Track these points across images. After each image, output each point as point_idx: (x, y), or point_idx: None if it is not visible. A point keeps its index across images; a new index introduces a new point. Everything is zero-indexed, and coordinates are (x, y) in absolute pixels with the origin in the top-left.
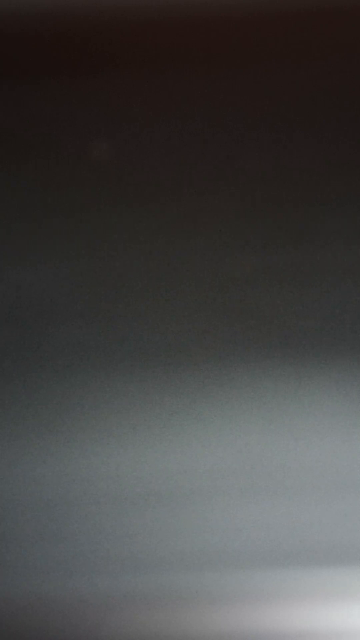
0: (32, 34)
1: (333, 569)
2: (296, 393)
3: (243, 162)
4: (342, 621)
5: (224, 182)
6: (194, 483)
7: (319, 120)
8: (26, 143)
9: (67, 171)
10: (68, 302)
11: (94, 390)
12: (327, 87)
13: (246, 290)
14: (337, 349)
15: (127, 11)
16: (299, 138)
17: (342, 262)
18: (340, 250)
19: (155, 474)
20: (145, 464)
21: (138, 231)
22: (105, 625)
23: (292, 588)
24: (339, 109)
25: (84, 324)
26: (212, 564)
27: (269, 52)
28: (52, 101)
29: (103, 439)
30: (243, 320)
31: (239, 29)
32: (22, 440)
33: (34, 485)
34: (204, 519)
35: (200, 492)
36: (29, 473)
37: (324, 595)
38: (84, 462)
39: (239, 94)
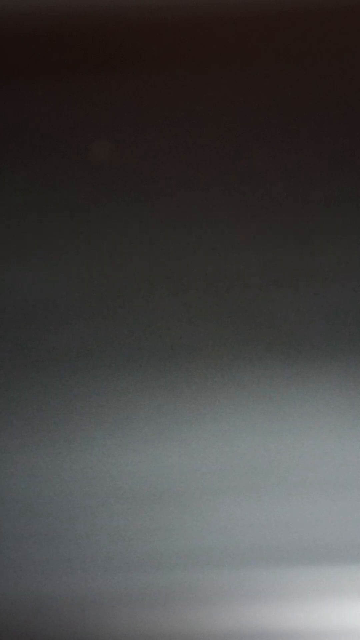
0: (32, 34)
1: (333, 568)
2: (296, 393)
3: (243, 162)
4: (341, 620)
5: (224, 182)
6: (193, 483)
7: (319, 120)
8: (26, 143)
9: (67, 171)
10: (68, 302)
11: (94, 391)
12: (327, 87)
13: (246, 290)
14: (337, 348)
15: (127, 11)
16: (299, 138)
17: (342, 262)
18: (340, 250)
19: (155, 473)
20: (145, 464)
21: (138, 231)
22: (105, 625)
23: (291, 587)
24: (339, 109)
25: (83, 324)
26: (212, 563)
27: (269, 52)
28: (52, 101)
29: (103, 439)
30: (243, 320)
31: (239, 29)
32: (22, 440)
33: (34, 485)
34: (203, 519)
35: (200, 492)
36: (29, 473)
37: (323, 594)
38: (83, 462)
39: (239, 94)
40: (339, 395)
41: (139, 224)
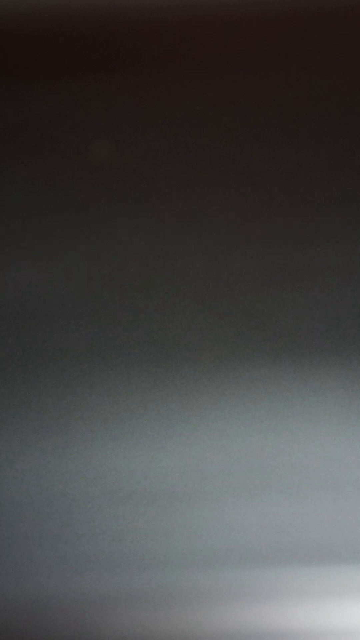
0: (32, 34)
1: (333, 568)
2: (296, 393)
3: (243, 162)
4: (341, 620)
5: (224, 182)
6: (193, 483)
7: (319, 120)
8: (26, 143)
9: (67, 171)
10: (68, 302)
11: (94, 391)
12: (327, 87)
13: (246, 290)
14: (336, 348)
15: (127, 11)
16: (299, 138)
17: (342, 262)
18: (340, 250)
19: (154, 474)
20: (144, 464)
21: (138, 231)
22: (105, 625)
23: (291, 587)
24: (339, 109)
25: (83, 324)
26: (212, 563)
27: (269, 52)
28: (52, 101)
29: (103, 439)
30: (243, 320)
31: (239, 29)
32: (23, 439)
33: (34, 485)
34: (203, 519)
35: (201, 492)
36: (29, 473)
37: (323, 594)
38: (83, 463)
39: (239, 94)
40: (340, 395)
41: (139, 224)
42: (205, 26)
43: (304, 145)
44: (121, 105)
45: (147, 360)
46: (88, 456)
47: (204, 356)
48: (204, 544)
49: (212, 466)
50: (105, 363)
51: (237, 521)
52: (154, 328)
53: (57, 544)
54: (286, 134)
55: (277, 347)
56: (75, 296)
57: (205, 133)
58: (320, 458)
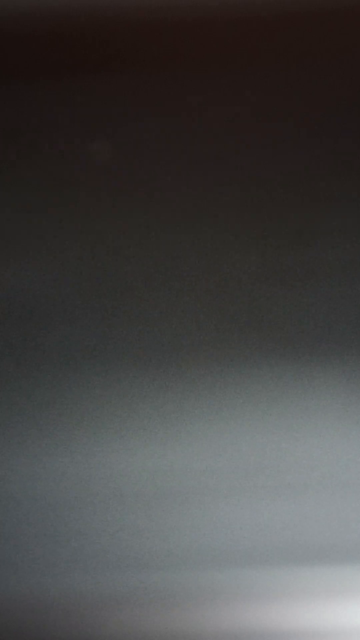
0: (32, 34)
1: (333, 568)
2: (295, 393)
3: (243, 162)
4: (341, 620)
5: (224, 182)
6: (193, 482)
7: (319, 120)
8: (26, 143)
9: (67, 171)
10: (68, 302)
11: (93, 391)
12: (327, 87)
13: (246, 290)
14: (336, 349)
15: (127, 11)
16: (299, 138)
17: (342, 262)
18: (340, 250)
19: (154, 473)
20: (144, 464)
21: (138, 231)
22: (105, 625)
23: (291, 587)
24: (339, 109)
25: (83, 324)
26: (212, 563)
27: (269, 52)
28: (52, 101)
29: (102, 439)
30: (243, 320)
31: (239, 29)
32: (22, 440)
33: (34, 485)
34: (203, 518)
35: (201, 492)
36: (28, 473)
37: (323, 594)
38: (83, 463)
39: (239, 93)
40: (339, 394)
41: (138, 224)
42: (205, 26)
43: (304, 145)
44: (121, 105)
45: (147, 360)
46: (88, 456)
47: (204, 356)
48: (203, 543)
49: (211, 466)
50: (105, 362)
51: (238, 521)
52: (154, 327)
53: (57, 544)
54: (286, 133)
55: (277, 347)
56: (74, 296)
57: (205, 133)
58: (320, 458)
